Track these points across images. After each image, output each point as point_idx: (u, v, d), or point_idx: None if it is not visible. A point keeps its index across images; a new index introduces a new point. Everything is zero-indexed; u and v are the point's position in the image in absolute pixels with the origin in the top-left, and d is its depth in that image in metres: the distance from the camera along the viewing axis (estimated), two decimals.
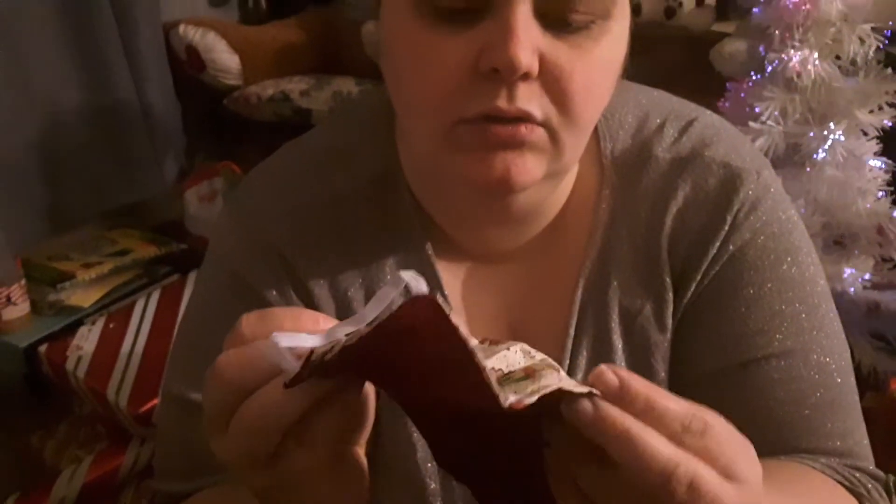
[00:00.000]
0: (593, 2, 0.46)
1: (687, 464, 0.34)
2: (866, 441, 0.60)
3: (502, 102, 0.46)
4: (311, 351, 0.35)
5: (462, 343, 0.32)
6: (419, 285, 0.33)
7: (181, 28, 1.82)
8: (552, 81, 0.46)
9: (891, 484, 0.57)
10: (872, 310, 1.30)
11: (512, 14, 0.44)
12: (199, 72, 1.85)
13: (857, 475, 0.57)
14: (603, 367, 0.34)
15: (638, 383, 0.34)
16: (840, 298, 1.28)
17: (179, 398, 0.60)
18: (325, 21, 2.01)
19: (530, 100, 0.46)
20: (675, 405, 0.34)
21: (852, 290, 1.29)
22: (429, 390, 0.36)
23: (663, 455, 0.33)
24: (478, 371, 0.33)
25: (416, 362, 0.34)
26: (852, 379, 0.60)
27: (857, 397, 0.60)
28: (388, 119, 0.61)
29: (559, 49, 0.46)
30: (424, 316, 0.32)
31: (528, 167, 0.48)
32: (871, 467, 0.58)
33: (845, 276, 1.29)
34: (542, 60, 0.45)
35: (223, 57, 1.83)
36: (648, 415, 0.34)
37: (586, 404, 0.33)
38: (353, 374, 0.37)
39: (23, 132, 1.60)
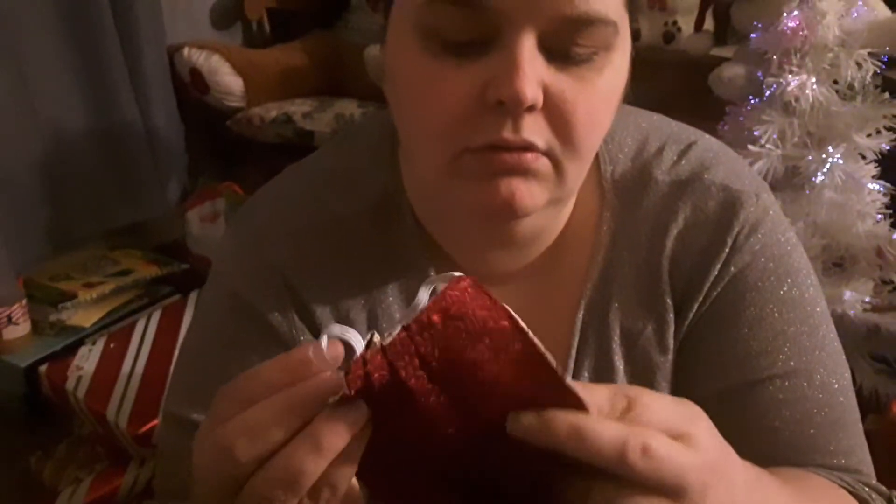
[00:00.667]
0: (596, 35, 0.46)
1: (634, 434, 0.35)
2: (869, 458, 0.60)
3: (508, 133, 0.46)
4: (371, 336, 0.35)
5: (509, 318, 0.34)
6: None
7: (185, 51, 1.84)
8: (556, 113, 0.47)
9: (894, 499, 0.57)
10: (873, 332, 1.30)
11: (517, 48, 0.45)
12: (203, 94, 1.87)
13: (861, 485, 0.57)
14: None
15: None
16: (840, 321, 1.28)
17: (180, 419, 0.61)
18: (328, 44, 2.03)
19: (535, 131, 0.47)
20: (592, 394, 0.36)
21: (852, 312, 1.29)
22: (468, 386, 0.36)
23: (609, 432, 0.34)
24: (531, 345, 0.34)
25: (467, 350, 0.35)
26: (854, 397, 0.61)
27: (858, 415, 0.61)
28: (391, 142, 0.61)
29: (563, 81, 0.47)
30: (470, 297, 0.34)
31: (532, 193, 0.49)
32: (874, 482, 0.59)
33: (845, 298, 1.29)
34: (547, 93, 0.46)
35: (227, 79, 1.85)
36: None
37: (530, 417, 0.35)
38: (393, 389, 0.36)
39: (27, 153, 1.61)
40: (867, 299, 1.30)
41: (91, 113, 1.70)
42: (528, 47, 0.45)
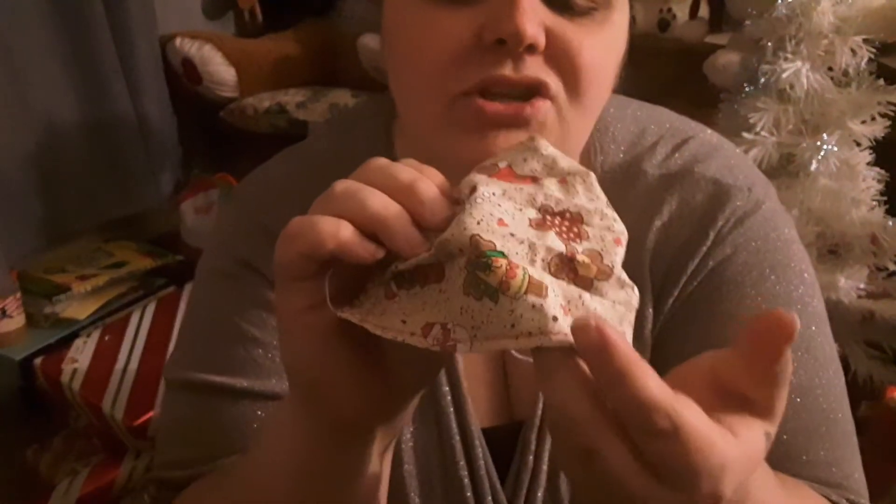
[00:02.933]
0: None
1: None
2: (860, 475, 0.57)
3: (507, 71, 0.45)
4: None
5: None
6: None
7: (177, 41, 1.83)
8: (560, 55, 0.46)
9: None
10: (867, 318, 1.31)
11: None
12: (196, 84, 1.86)
13: (842, 500, 0.54)
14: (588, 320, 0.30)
15: (622, 347, 0.29)
16: (835, 307, 1.29)
17: (187, 382, 0.60)
18: (321, 34, 2.02)
19: (538, 70, 0.45)
20: (653, 387, 0.29)
21: (847, 299, 1.29)
22: None
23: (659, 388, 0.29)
24: None
25: None
26: (845, 406, 0.57)
27: (851, 428, 0.57)
28: (387, 124, 0.61)
29: (566, 26, 0.46)
30: None
31: None
32: (863, 502, 0.55)
33: (840, 285, 1.29)
34: (549, 35, 0.45)
35: (219, 69, 1.84)
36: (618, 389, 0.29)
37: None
38: None
39: (19, 145, 1.60)
40: (862, 286, 1.31)
41: (83, 105, 1.69)
42: None
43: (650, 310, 0.58)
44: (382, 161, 0.38)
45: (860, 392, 1.27)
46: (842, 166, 1.27)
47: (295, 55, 1.96)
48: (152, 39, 1.79)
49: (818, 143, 1.26)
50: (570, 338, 0.30)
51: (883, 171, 1.30)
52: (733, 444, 0.31)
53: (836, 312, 1.28)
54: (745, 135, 1.27)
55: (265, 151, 0.71)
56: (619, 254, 0.36)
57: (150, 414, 1.31)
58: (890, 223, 1.28)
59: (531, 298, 0.31)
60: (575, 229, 0.36)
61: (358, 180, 0.37)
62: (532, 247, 0.34)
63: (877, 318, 1.30)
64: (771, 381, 0.32)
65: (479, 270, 0.32)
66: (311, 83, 1.95)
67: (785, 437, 0.54)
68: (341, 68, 1.95)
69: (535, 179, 0.38)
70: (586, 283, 0.34)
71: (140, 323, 1.58)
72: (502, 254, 0.33)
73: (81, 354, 1.48)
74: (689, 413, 0.30)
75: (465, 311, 0.33)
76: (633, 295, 0.35)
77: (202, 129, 1.97)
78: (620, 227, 0.37)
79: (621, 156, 0.59)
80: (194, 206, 1.83)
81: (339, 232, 0.35)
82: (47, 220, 1.68)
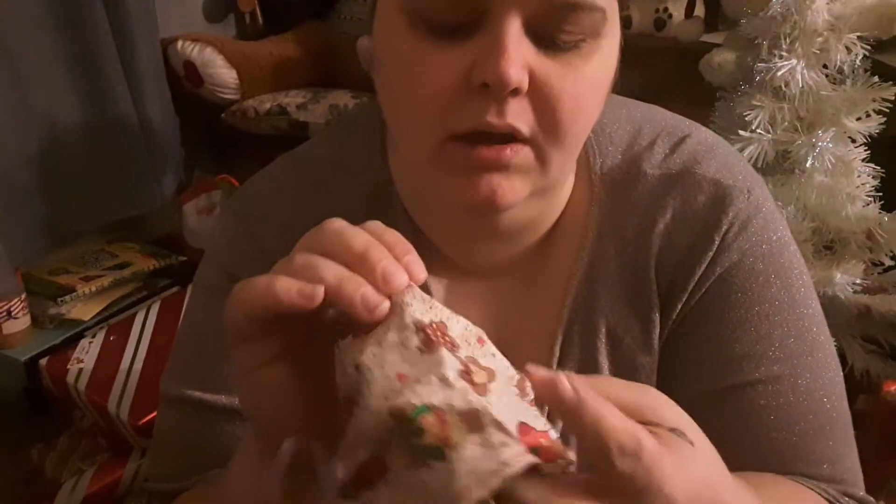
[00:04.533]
0: (583, 21, 0.46)
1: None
2: (857, 467, 0.58)
3: (492, 117, 0.46)
4: None
5: None
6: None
7: (179, 44, 1.84)
8: (541, 99, 0.46)
9: None
10: (864, 313, 1.31)
11: (502, 30, 0.44)
12: (197, 86, 1.87)
13: (845, 499, 0.55)
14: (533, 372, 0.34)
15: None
16: (831, 303, 1.30)
17: (178, 398, 0.62)
18: (321, 36, 2.03)
19: (519, 116, 0.46)
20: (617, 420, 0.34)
21: (843, 294, 1.30)
22: None
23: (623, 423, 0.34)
24: None
25: None
26: (844, 403, 0.59)
27: (849, 422, 0.59)
28: (383, 131, 0.61)
29: (549, 67, 0.46)
30: None
31: (514, 188, 0.48)
32: (861, 493, 0.57)
33: (836, 280, 1.29)
34: (532, 77, 0.46)
35: (221, 72, 1.85)
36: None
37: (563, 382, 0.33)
38: None
39: (22, 148, 1.61)
40: (858, 281, 1.31)
41: (85, 107, 1.70)
42: (513, 30, 0.44)
43: (656, 315, 0.58)
44: (338, 225, 0.39)
45: (857, 386, 1.28)
46: (837, 163, 1.28)
47: (295, 57, 1.97)
48: (154, 42, 1.80)
49: (813, 140, 1.27)
50: (528, 457, 0.31)
51: (878, 168, 1.31)
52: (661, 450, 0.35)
53: (833, 308, 1.30)
54: (742, 132, 1.28)
55: (266, 153, 0.72)
56: (487, 353, 0.36)
57: (155, 413, 1.32)
58: (885, 218, 1.29)
59: (475, 438, 0.31)
60: (447, 338, 0.35)
61: (312, 245, 0.39)
62: (442, 378, 0.33)
63: (873, 312, 1.31)
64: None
65: (414, 437, 0.31)
66: (312, 85, 1.96)
67: (795, 439, 0.55)
68: (341, 70, 1.96)
69: (394, 312, 0.36)
70: (483, 390, 0.34)
71: (145, 323, 1.59)
72: (425, 408, 0.31)
73: (87, 355, 1.49)
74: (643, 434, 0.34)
75: (419, 486, 0.31)
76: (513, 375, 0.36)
77: (204, 130, 1.99)
78: (476, 329, 0.38)
79: (619, 157, 0.59)
80: (196, 208, 1.85)
81: (272, 285, 0.37)
82: (51, 221, 1.69)
